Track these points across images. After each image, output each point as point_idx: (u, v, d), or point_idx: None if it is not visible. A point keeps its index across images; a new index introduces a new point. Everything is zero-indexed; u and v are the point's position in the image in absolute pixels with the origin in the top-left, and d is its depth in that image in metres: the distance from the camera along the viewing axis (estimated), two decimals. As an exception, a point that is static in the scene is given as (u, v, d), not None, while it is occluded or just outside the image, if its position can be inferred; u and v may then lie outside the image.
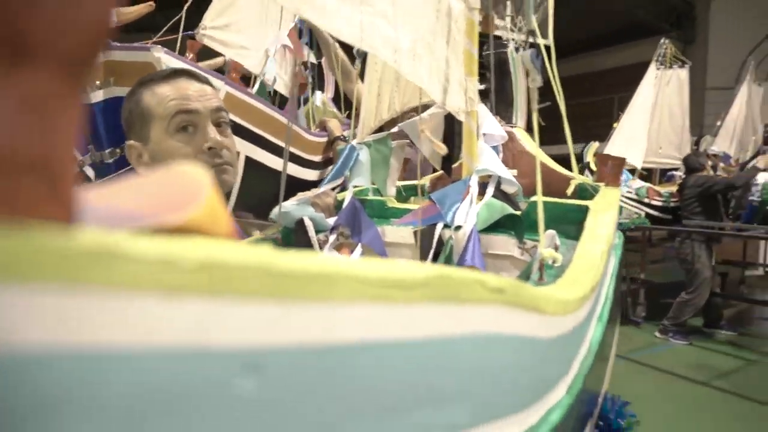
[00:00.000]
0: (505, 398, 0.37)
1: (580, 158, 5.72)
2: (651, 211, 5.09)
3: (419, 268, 0.25)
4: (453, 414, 0.31)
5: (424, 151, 1.45)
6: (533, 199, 0.83)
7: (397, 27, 0.69)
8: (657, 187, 5.32)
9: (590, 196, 1.35)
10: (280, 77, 2.70)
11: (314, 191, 1.21)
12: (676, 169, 5.86)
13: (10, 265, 0.13)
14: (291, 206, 1.13)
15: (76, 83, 0.15)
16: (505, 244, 1.01)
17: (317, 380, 0.20)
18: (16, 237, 0.14)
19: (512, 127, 1.66)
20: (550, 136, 1.77)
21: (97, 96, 1.65)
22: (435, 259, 0.99)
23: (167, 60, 1.66)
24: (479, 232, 0.93)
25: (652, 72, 5.80)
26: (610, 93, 9.66)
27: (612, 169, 1.27)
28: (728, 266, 5.77)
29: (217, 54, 2.69)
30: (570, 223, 0.95)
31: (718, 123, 6.20)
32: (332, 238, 1.11)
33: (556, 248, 0.76)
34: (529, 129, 1.87)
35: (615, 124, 5.89)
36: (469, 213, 0.94)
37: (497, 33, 2.17)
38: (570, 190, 1.43)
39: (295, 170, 2.28)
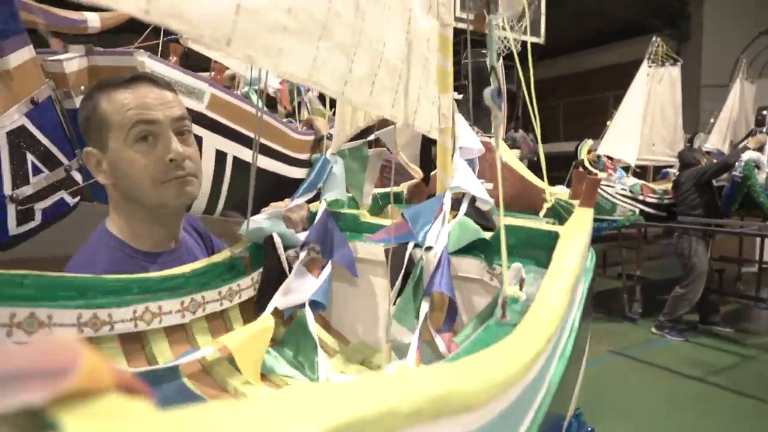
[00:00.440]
0: None
1: (575, 155, 5.75)
2: (645, 208, 5.10)
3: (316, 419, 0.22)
4: None
5: (401, 161, 1.45)
6: (506, 221, 0.81)
7: (354, 56, 0.66)
8: (651, 185, 5.33)
9: (563, 217, 1.33)
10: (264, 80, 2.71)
11: (286, 202, 1.16)
12: (670, 167, 5.87)
13: None
14: (261, 220, 1.09)
15: None
16: (475, 267, 0.98)
17: None
18: None
19: (490, 137, 1.65)
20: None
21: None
22: (405, 279, 0.96)
23: (151, 64, 1.65)
24: (450, 254, 0.91)
25: (644, 69, 5.81)
26: (606, 91, 9.67)
27: (588, 188, 1.23)
28: (724, 263, 5.78)
29: (200, 56, 2.69)
30: (540, 249, 0.92)
31: (711, 120, 6.21)
32: (303, 254, 1.08)
33: (522, 283, 0.74)
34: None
35: (608, 122, 5.90)
36: (441, 233, 0.92)
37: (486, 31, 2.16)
38: (543, 213, 1.41)
39: (282, 169, 2.28)
